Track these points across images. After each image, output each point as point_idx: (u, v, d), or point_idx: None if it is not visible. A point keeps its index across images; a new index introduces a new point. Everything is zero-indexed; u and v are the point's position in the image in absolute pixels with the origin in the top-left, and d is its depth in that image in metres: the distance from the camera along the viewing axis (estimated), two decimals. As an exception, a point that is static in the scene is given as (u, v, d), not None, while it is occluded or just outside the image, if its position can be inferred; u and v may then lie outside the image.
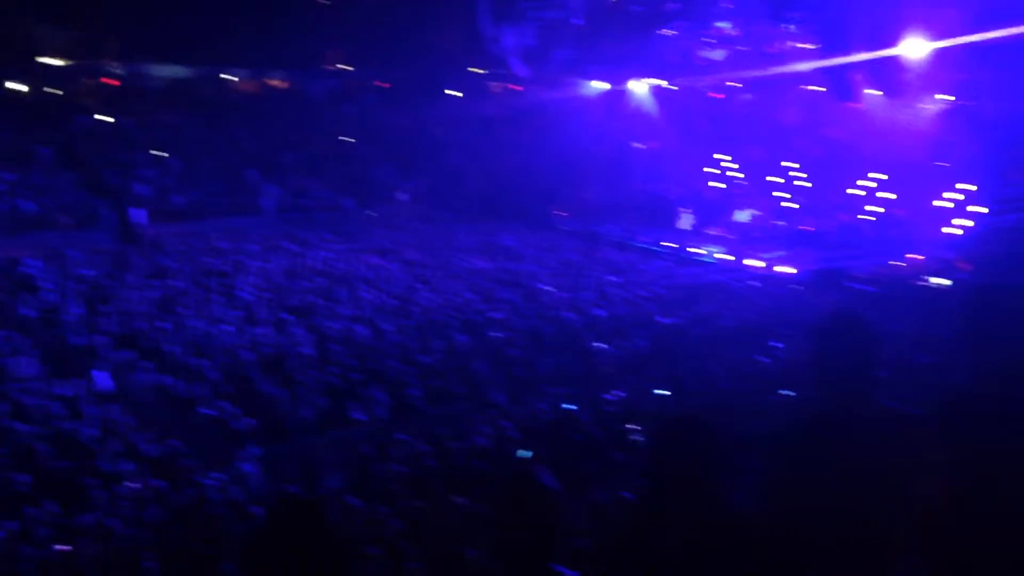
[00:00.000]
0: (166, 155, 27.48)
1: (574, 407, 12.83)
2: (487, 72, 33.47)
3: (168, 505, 9.98)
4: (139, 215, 23.46)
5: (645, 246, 25.11)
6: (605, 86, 30.61)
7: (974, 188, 22.10)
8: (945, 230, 21.77)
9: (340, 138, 31.76)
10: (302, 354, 14.81)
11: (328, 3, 31.86)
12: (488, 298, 18.62)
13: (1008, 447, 2.93)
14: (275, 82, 34.38)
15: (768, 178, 26.63)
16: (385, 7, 29.89)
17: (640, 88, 30.25)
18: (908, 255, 20.81)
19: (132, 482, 10.51)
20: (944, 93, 23.81)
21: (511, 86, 32.93)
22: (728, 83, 29.16)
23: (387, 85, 34.08)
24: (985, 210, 21.44)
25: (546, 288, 19.55)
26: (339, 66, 35.12)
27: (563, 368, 15.20)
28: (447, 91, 32.64)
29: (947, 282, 18.70)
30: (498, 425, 11.87)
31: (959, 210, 22.15)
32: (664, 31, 30.07)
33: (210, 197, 26.07)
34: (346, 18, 30.62)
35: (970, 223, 21.59)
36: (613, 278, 20.93)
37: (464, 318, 17.08)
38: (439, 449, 11.20)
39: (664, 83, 29.95)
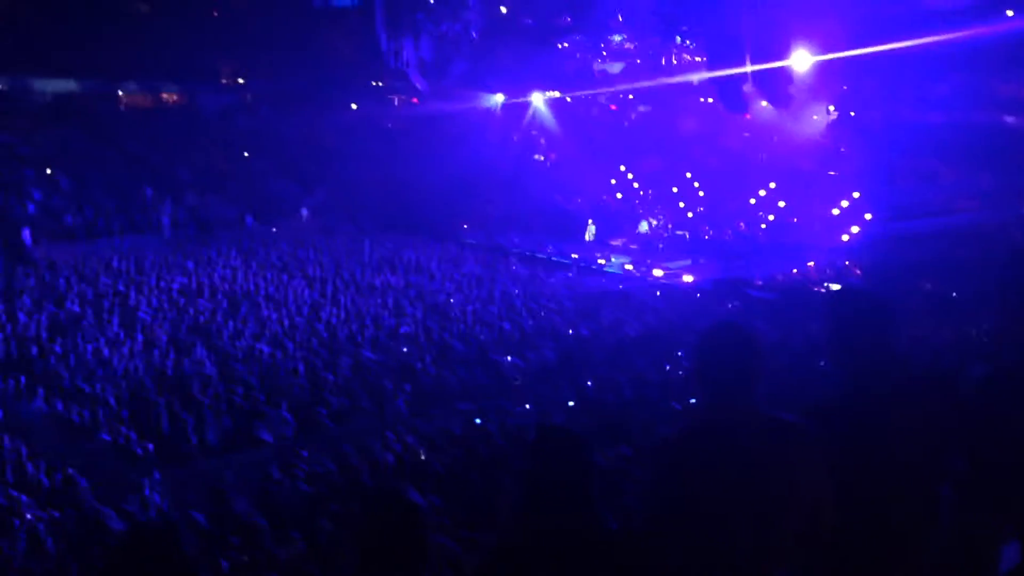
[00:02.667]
0: (55, 172, 26.44)
1: (480, 420, 12.83)
2: (386, 85, 33.30)
3: (66, 536, 9.56)
4: (27, 235, 22.52)
5: (550, 258, 25.32)
6: (503, 99, 30.80)
7: (862, 196, 22.97)
8: (837, 237, 22.57)
9: (238, 153, 31.10)
10: (204, 375, 14.41)
11: (219, 15, 31.14)
12: (394, 313, 18.46)
13: (874, 452, 3.03)
14: (168, 96, 33.46)
15: (667, 189, 27.19)
16: (280, 20, 29.46)
17: (539, 101, 30.55)
18: (803, 262, 21.52)
19: (27, 513, 10.04)
20: (831, 103, 24.74)
21: (411, 99, 32.88)
22: (624, 95, 29.70)
23: (284, 98, 33.52)
24: (872, 217, 22.31)
25: (452, 302, 19.51)
26: (235, 79, 34.36)
27: (471, 382, 15.17)
28: (346, 104, 32.31)
29: (838, 287, 19.38)
30: (405, 441, 11.77)
31: (850, 217, 22.99)
32: (560, 44, 30.49)
33: (104, 215, 25.19)
34: (240, 31, 30.03)
35: (859, 230, 22.43)
36: (519, 290, 21.03)
37: (370, 334, 16.90)
38: (345, 467, 11.05)
39: (562, 95, 30.32)
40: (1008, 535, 3.20)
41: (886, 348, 3.18)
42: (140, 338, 16.16)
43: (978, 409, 3.25)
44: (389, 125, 32.26)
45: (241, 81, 34.32)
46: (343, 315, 18.04)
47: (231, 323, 17.23)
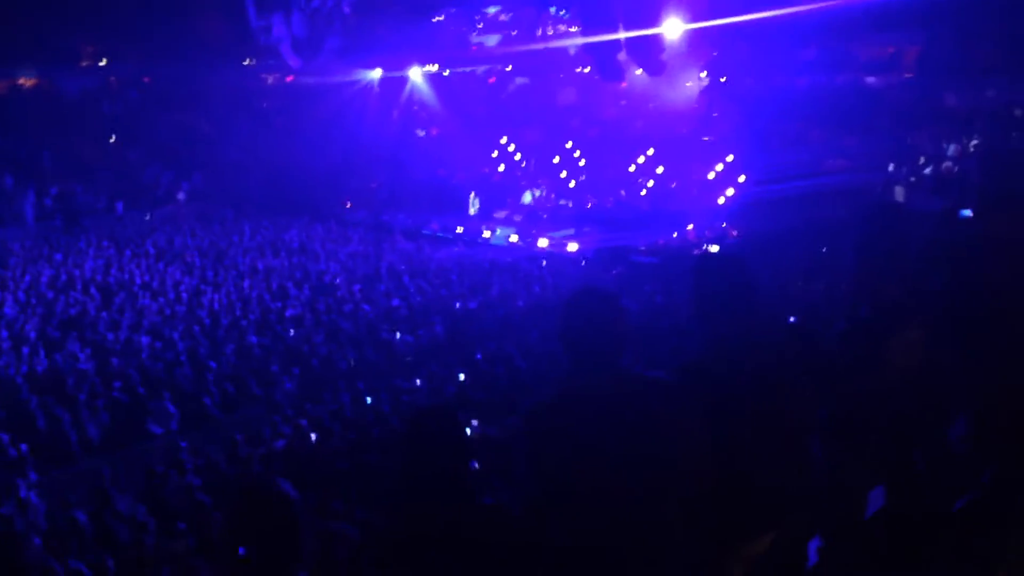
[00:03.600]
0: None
1: (372, 400, 12.75)
2: (258, 64, 32.35)
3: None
4: None
5: (435, 233, 25.22)
6: (380, 74, 30.37)
7: (736, 160, 23.62)
8: (714, 201, 23.17)
9: (104, 138, 29.77)
10: (80, 370, 13.82)
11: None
12: (279, 296, 18.10)
13: (742, 406, 3.14)
14: (25, 80, 31.67)
15: (549, 159, 27.37)
16: (143, -1, 28.18)
17: (416, 75, 30.24)
18: (683, 227, 22.02)
19: None
20: (703, 70, 25.29)
21: (285, 77, 32.06)
22: (502, 67, 29.69)
23: (151, 80, 32.16)
24: (746, 179, 22.98)
25: (338, 282, 19.24)
26: (96, 62, 32.72)
27: (361, 361, 15.04)
28: (217, 85, 31.21)
29: (716, 249, 19.93)
30: (297, 425, 11.58)
31: (725, 181, 23.62)
32: (435, 18, 30.22)
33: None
34: (102, 11, 28.56)
35: (734, 193, 23.09)
36: (406, 266, 20.90)
37: (255, 319, 16.53)
38: (234, 456, 10.82)
39: (439, 69, 30.10)
40: (873, 480, 3.36)
41: (750, 308, 3.28)
42: (5, 335, 15.37)
43: (839, 362, 3.40)
44: (264, 105, 31.43)
45: (104, 63, 32.68)
46: (225, 301, 17.57)
47: (105, 315, 16.56)
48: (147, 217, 26.37)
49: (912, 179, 19.79)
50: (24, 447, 11.41)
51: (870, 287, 3.65)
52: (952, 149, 20.08)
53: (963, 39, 19.98)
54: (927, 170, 19.91)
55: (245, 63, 32.19)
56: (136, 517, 9.51)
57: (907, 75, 22.39)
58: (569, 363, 3.10)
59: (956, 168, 19.06)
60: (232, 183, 28.49)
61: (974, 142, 19.68)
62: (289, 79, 31.78)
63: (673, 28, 23.73)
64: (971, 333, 3.53)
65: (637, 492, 2.96)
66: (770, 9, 20.27)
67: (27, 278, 19.09)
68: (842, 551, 3.26)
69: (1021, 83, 19.22)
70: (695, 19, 23.12)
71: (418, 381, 14.01)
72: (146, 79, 32.29)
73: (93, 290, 18.31)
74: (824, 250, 17.33)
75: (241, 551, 2.81)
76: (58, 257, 21.20)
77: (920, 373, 3.39)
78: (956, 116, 20.69)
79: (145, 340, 15.18)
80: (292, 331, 15.85)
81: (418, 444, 3.11)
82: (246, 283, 19.09)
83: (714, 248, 20.10)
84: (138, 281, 19.07)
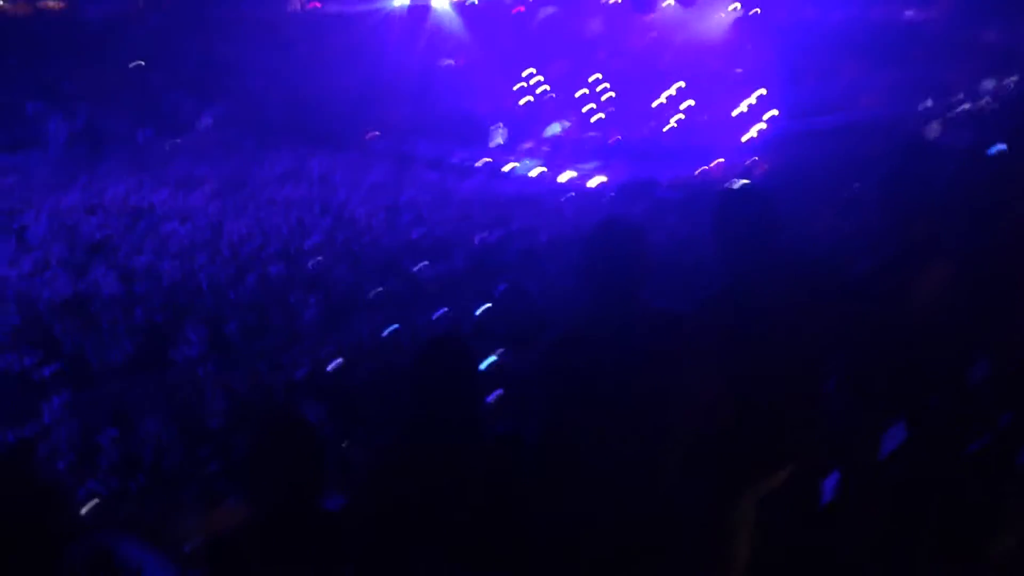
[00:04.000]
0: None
1: (395, 328, 12.79)
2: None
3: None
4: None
5: (458, 164, 25.00)
6: (405, 1, 29.86)
7: (768, 93, 23.18)
8: (744, 136, 22.80)
9: (129, 63, 29.57)
10: (105, 295, 13.97)
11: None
12: (300, 226, 18.10)
13: (760, 343, 3.09)
14: (47, 3, 31.45)
15: (575, 92, 26.97)
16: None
17: (442, 3, 29.71)
18: (711, 161, 21.71)
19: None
20: (735, 1, 24.71)
21: (309, 3, 31.62)
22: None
23: (175, 5, 31.77)
24: (778, 113, 22.58)
25: (360, 212, 19.19)
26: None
27: (383, 292, 15.05)
28: (241, 11, 30.82)
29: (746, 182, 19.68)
30: (317, 354, 11.67)
31: (756, 115, 23.21)
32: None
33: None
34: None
35: (765, 127, 22.70)
36: (427, 198, 20.77)
37: (276, 248, 16.57)
38: (257, 384, 10.93)
39: (466, -3, 29.60)
40: (890, 420, 3.31)
41: (772, 243, 3.21)
42: (35, 257, 15.54)
43: (861, 300, 3.32)
44: (287, 33, 31.03)
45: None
46: (246, 230, 17.61)
47: (129, 241, 16.66)
48: (168, 144, 26.30)
49: (947, 115, 19.37)
50: (47, 371, 11.61)
51: (896, 225, 3.57)
52: (989, 85, 19.60)
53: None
54: (963, 106, 19.48)
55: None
56: (159, 441, 9.69)
57: (945, 8, 21.77)
58: (590, 296, 3.07)
59: (992, 105, 18.62)
60: (254, 111, 28.26)
61: (1012, 79, 19.19)
62: (313, 5, 31.35)
63: (705, -43, 23.14)
64: (996, 274, 3.45)
65: (654, 424, 2.95)
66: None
67: (49, 203, 19.20)
68: (857, 489, 3.24)
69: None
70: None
71: (439, 312, 14.02)
72: (169, 3, 31.93)
73: (119, 216, 18.41)
74: (856, 185, 17.05)
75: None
76: (81, 182, 21.27)
77: (941, 314, 3.32)
78: (994, 52, 20.16)
79: (167, 267, 15.28)
80: (312, 261, 15.88)
81: (428, 372, 3.11)
82: (267, 212, 19.09)
83: (741, 182, 19.83)
84: (159, 209, 19.13)
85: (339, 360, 11.57)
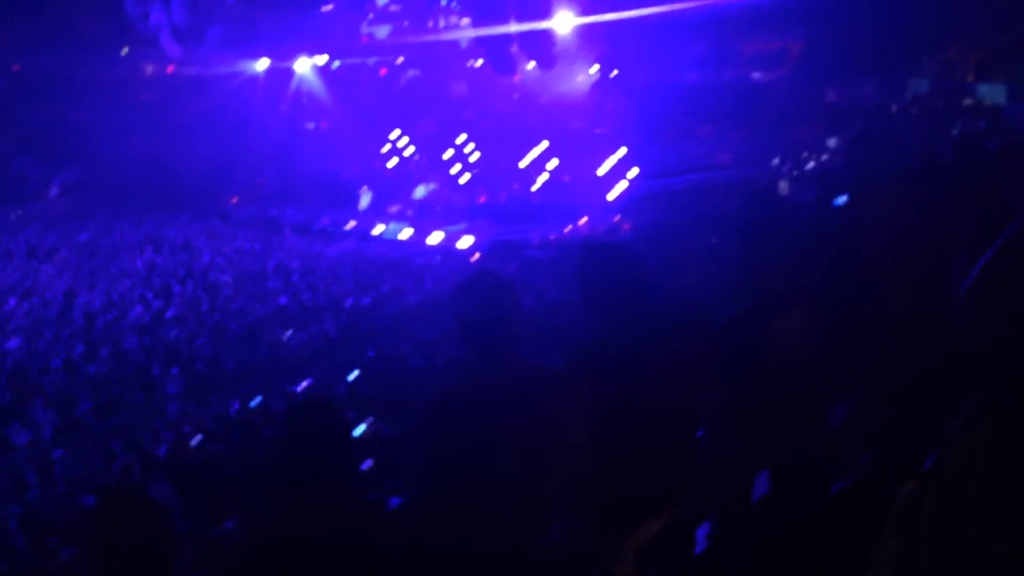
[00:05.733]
0: None
1: (260, 400, 12.38)
2: (136, 53, 30.99)
3: None
4: None
5: (326, 228, 24.74)
6: (267, 64, 29.55)
7: (629, 154, 23.89)
8: (607, 194, 23.38)
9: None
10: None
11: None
12: (161, 296, 17.44)
13: (633, 392, 3.11)
14: None
15: (441, 153, 27.17)
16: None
17: (304, 66, 29.53)
18: (578, 220, 22.15)
19: None
20: (594, 64, 25.52)
21: (165, 67, 30.88)
22: (393, 59, 29.35)
23: (22, 69, 30.43)
24: (639, 174, 23.27)
25: (224, 279, 18.66)
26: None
27: (249, 362, 14.60)
28: (93, 75, 29.80)
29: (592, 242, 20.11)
30: (179, 430, 11.15)
31: (618, 175, 23.86)
32: (324, 7, 29.62)
33: None
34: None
35: (626, 186, 23.35)
36: (295, 264, 20.42)
37: (134, 320, 15.89)
38: (111, 465, 10.33)
39: (328, 60, 29.51)
40: (759, 466, 3.35)
41: (637, 294, 3.25)
42: None
43: (725, 349, 3.39)
44: (143, 96, 30.22)
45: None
46: (102, 301, 16.84)
47: (-29, 319, 15.69)
48: (18, 213, 25.08)
49: (795, 172, 20.37)
50: None
51: (753, 275, 3.68)
52: (832, 143, 20.74)
53: (843, 37, 20.67)
54: (809, 164, 20.52)
55: (122, 52, 30.78)
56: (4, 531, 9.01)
57: (791, 71, 23.04)
58: (461, 351, 3.02)
59: (835, 161, 19.69)
60: (109, 177, 27.32)
61: (851, 136, 20.37)
62: (169, 69, 30.61)
63: (564, 22, 23.85)
64: (849, 317, 3.58)
65: (526, 480, 2.90)
66: (659, 5, 20.59)
67: None
68: (729, 536, 3.26)
69: (896, 80, 20.01)
70: (586, 13, 23.31)
71: (308, 381, 13.68)
72: (15, 67, 30.60)
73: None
74: (713, 242, 17.65)
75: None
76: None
77: (800, 360, 3.41)
78: (835, 111, 21.40)
79: (14, 344, 14.42)
80: (174, 332, 15.29)
81: (297, 438, 2.97)
82: (125, 282, 18.34)
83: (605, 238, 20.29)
84: (6, 282, 18.14)
85: (201, 435, 11.08)
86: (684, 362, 3.27)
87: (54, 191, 27.01)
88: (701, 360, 3.34)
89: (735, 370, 3.41)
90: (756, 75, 24.01)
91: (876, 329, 3.54)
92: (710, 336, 3.49)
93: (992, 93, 18.72)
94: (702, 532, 3.26)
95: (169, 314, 16.17)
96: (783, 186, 19.25)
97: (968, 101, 19.16)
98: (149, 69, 31.35)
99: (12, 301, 16.69)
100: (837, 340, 3.48)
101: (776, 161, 21.15)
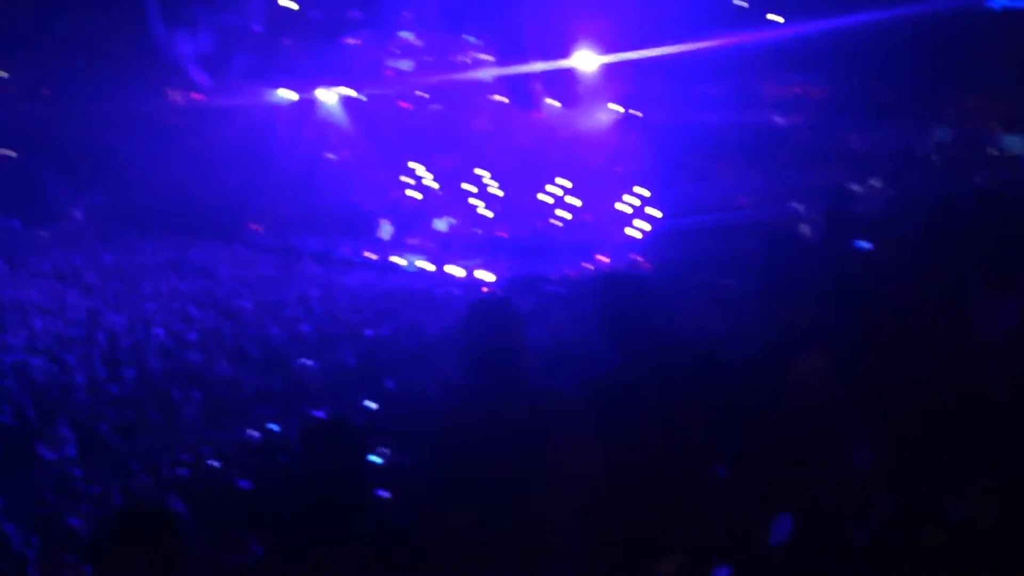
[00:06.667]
0: None
1: (278, 427, 12.43)
2: (164, 80, 31.43)
3: None
4: None
5: (346, 258, 24.90)
6: (292, 95, 29.91)
7: (649, 193, 24.01)
8: (627, 232, 23.46)
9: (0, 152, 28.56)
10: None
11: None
12: (182, 319, 17.59)
13: (647, 426, 3.13)
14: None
15: (462, 186, 27.36)
16: (44, 7, 27.14)
17: (329, 97, 29.86)
18: (595, 257, 22.23)
19: None
20: (616, 103, 25.71)
21: (192, 94, 31.28)
22: (416, 93, 29.64)
23: (52, 93, 30.87)
24: (660, 213, 23.37)
25: (245, 305, 18.80)
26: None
27: (268, 388, 14.69)
28: (122, 100, 30.20)
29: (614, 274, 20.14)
30: (198, 453, 11.23)
31: (636, 213, 23.96)
32: (349, 40, 30.00)
33: None
34: (1, 19, 27.39)
35: (647, 226, 23.44)
36: (315, 292, 20.55)
37: (156, 342, 16.02)
38: (129, 486, 10.41)
39: (352, 92, 29.83)
40: (778, 509, 3.37)
41: (655, 327, 3.27)
42: None
43: (744, 388, 3.42)
44: (170, 121, 30.61)
45: (2, 75, 31.32)
46: (125, 323, 17.00)
47: (-3, 337, 15.86)
48: (44, 234, 25.38)
49: (814, 216, 20.37)
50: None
51: (774, 316, 3.70)
52: (854, 188, 20.75)
53: (866, 82, 20.78)
54: (829, 208, 20.52)
55: (150, 79, 31.20)
56: (22, 548, 9.08)
57: (812, 115, 23.15)
58: (470, 375, 3.07)
59: (856, 206, 19.69)
60: (135, 201, 27.64)
61: (875, 182, 20.40)
62: (196, 97, 31.01)
63: (586, 60, 24.09)
64: (871, 361, 3.60)
65: (538, 513, 2.93)
66: (681, 44, 20.79)
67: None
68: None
69: (920, 127, 20.07)
70: (608, 52, 23.55)
71: (326, 408, 13.74)
72: (47, 91, 31.08)
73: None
74: (731, 282, 17.66)
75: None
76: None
77: (822, 401, 3.43)
78: (858, 156, 21.44)
79: (38, 363, 14.56)
80: (194, 356, 15.41)
81: (315, 465, 3.03)
82: (148, 305, 18.51)
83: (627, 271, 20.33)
84: (32, 302, 18.32)
85: (219, 458, 11.15)
86: (702, 400, 3.30)
87: (80, 214, 27.32)
88: (719, 399, 3.36)
89: (753, 410, 3.43)
90: (777, 117, 24.11)
91: (898, 374, 3.56)
92: (729, 375, 3.53)
93: (1016, 143, 18.76)
94: (718, 575, 3.26)
95: (190, 338, 16.29)
96: (804, 229, 19.26)
97: (992, 150, 19.18)
98: (176, 96, 31.79)
99: (38, 320, 16.85)
100: (858, 383, 3.51)
101: (796, 205, 21.18)
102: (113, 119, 29.47)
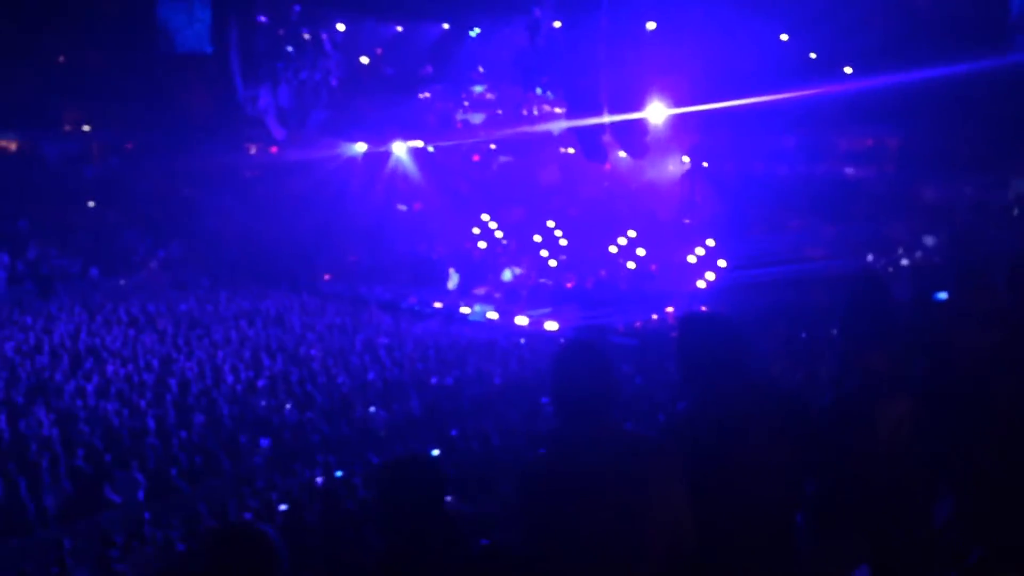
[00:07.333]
0: None
1: (343, 473, 12.47)
2: (242, 133, 32.44)
3: None
4: None
5: (413, 307, 25.12)
6: (364, 148, 30.57)
7: (716, 244, 23.83)
8: (693, 284, 23.27)
9: (83, 203, 29.63)
10: (43, 437, 13.46)
11: (64, 60, 29.57)
12: (252, 366, 17.83)
13: (729, 469, 3.05)
14: (6, 143, 31.50)
15: (530, 237, 27.51)
16: (129, 66, 28.27)
17: (400, 150, 30.45)
18: (662, 309, 22.06)
19: None
20: (685, 154, 25.70)
21: (269, 148, 32.21)
22: (486, 145, 30.04)
23: (134, 147, 32.01)
24: (726, 264, 23.15)
25: (314, 353, 19.01)
26: (80, 127, 32.56)
27: (334, 435, 14.77)
28: (200, 153, 31.21)
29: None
30: (266, 497, 11.28)
31: (705, 265, 23.77)
32: (422, 94, 30.66)
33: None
34: (86, 76, 28.59)
35: (714, 277, 23.22)
36: (383, 340, 20.70)
37: (226, 388, 16.25)
38: (196, 530, 10.48)
39: (424, 145, 30.37)
40: (858, 559, 3.24)
41: (738, 370, 3.20)
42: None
43: (825, 435, 3.31)
44: (246, 174, 31.52)
45: (87, 129, 32.60)
46: (197, 369, 17.29)
47: (73, 381, 16.22)
48: (122, 283, 26.11)
49: (890, 268, 19.98)
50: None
51: (856, 362, 3.61)
52: (929, 241, 20.34)
53: (942, 134, 20.42)
54: (904, 260, 20.12)
55: (229, 132, 32.25)
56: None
57: (886, 167, 22.83)
58: (559, 418, 3.04)
59: (933, 257, 19.28)
60: (210, 252, 28.39)
61: (947, 234, 19.97)
62: (273, 150, 31.91)
63: (657, 112, 24.17)
64: (953, 412, 3.49)
65: (623, 551, 2.87)
66: (752, 96, 20.72)
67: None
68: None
69: (997, 179, 19.61)
70: (679, 104, 23.58)
71: (392, 456, 13.75)
72: (128, 145, 32.26)
73: (62, 355, 17.98)
74: (803, 335, 17.34)
75: None
76: (28, 321, 20.88)
77: (906, 449, 3.32)
78: (933, 209, 21.02)
79: (112, 407, 14.85)
80: (263, 402, 15.58)
81: (395, 489, 2.98)
82: (219, 353, 18.82)
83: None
84: (109, 347, 18.77)
85: (286, 504, 11.19)
86: (782, 446, 3.21)
87: (157, 263, 28.11)
88: (800, 447, 3.27)
89: (835, 458, 3.33)
90: (850, 169, 23.84)
91: (981, 423, 3.44)
92: (811, 422, 3.43)
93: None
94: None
95: (259, 384, 16.49)
96: (883, 279, 18.90)
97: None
98: (253, 149, 32.75)
99: (112, 366, 17.23)
100: (941, 432, 3.39)
101: (870, 256, 20.81)
102: (192, 172, 30.48)
